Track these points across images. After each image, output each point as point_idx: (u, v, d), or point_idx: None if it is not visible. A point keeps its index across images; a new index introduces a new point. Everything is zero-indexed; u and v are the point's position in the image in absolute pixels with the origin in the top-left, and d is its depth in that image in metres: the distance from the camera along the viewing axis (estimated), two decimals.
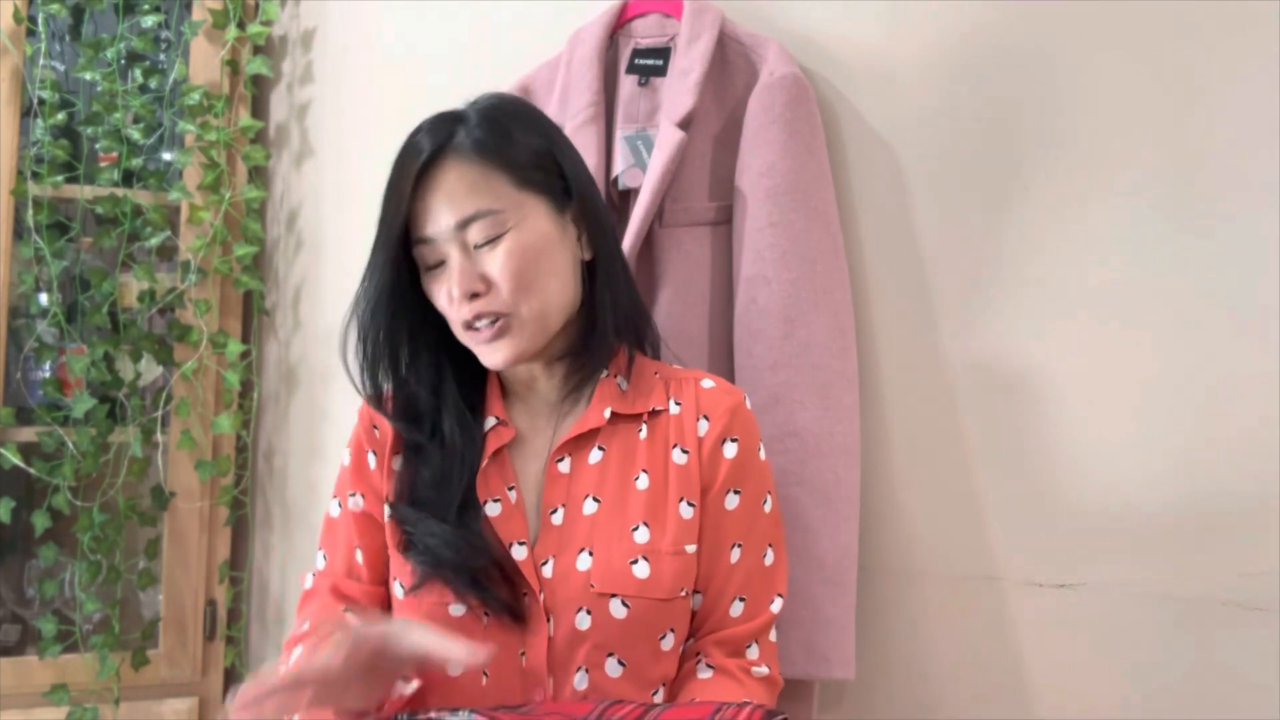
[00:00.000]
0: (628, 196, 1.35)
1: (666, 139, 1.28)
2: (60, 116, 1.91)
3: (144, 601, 2.00)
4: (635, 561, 0.98)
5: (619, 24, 1.40)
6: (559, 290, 1.03)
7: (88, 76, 1.92)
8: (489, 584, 0.98)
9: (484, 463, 1.04)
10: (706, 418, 1.04)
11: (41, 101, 1.89)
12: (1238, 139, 1.07)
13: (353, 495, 1.09)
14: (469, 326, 1.01)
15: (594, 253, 1.06)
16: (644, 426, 1.05)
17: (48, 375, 1.92)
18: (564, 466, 1.04)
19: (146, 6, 1.98)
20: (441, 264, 1.02)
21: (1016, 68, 1.20)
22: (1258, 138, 1.05)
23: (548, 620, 0.98)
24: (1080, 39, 1.16)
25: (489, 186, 1.00)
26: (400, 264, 1.02)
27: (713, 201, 1.32)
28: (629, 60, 1.37)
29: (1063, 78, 1.17)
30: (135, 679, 1.88)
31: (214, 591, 1.96)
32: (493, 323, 1.00)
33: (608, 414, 1.05)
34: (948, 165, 1.25)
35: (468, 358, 1.06)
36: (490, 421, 1.06)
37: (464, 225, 0.99)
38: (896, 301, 1.28)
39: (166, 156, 2.04)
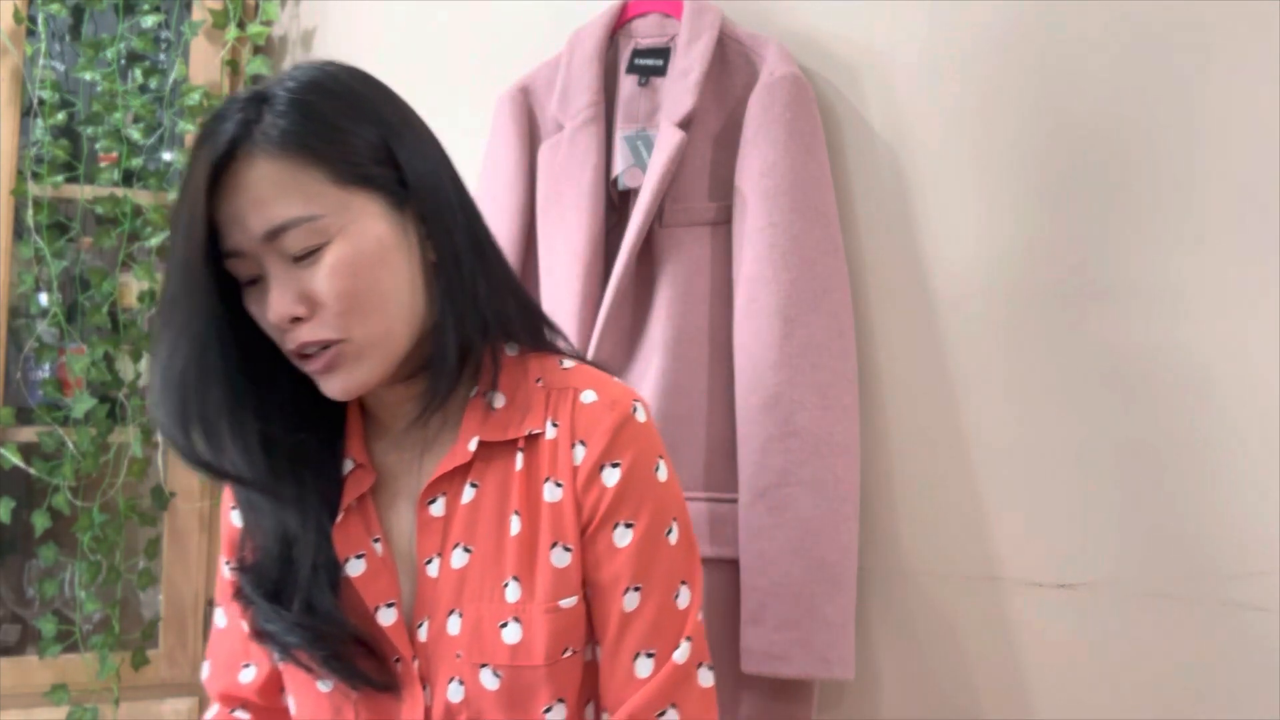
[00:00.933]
0: (628, 196, 1.35)
1: (666, 139, 1.28)
2: (60, 116, 1.91)
3: (144, 601, 2.00)
4: (505, 624, 0.83)
5: (619, 24, 1.40)
6: (402, 304, 0.84)
7: (88, 76, 1.92)
8: (349, 660, 0.85)
9: (340, 516, 0.88)
10: (583, 442, 0.86)
11: (41, 101, 1.89)
12: (1237, 147, 1.07)
13: (226, 563, 0.94)
14: (299, 355, 0.84)
15: (436, 253, 0.86)
16: (520, 454, 0.87)
17: (48, 375, 1.92)
18: (436, 509, 0.87)
19: (146, 6, 1.98)
20: (259, 279, 0.83)
21: (1017, 67, 1.20)
22: (1257, 139, 1.05)
23: (424, 689, 0.86)
24: (1080, 37, 1.16)
25: (301, 187, 0.80)
26: (204, 282, 0.81)
27: (713, 201, 1.32)
28: (629, 60, 1.37)
29: (1063, 77, 1.17)
30: (135, 679, 1.88)
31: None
32: (325, 349, 0.82)
33: (474, 446, 0.87)
34: (948, 165, 1.25)
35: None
36: (348, 465, 0.90)
37: (274, 236, 0.80)
38: (896, 301, 1.28)
39: (166, 156, 2.03)
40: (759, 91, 1.28)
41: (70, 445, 1.84)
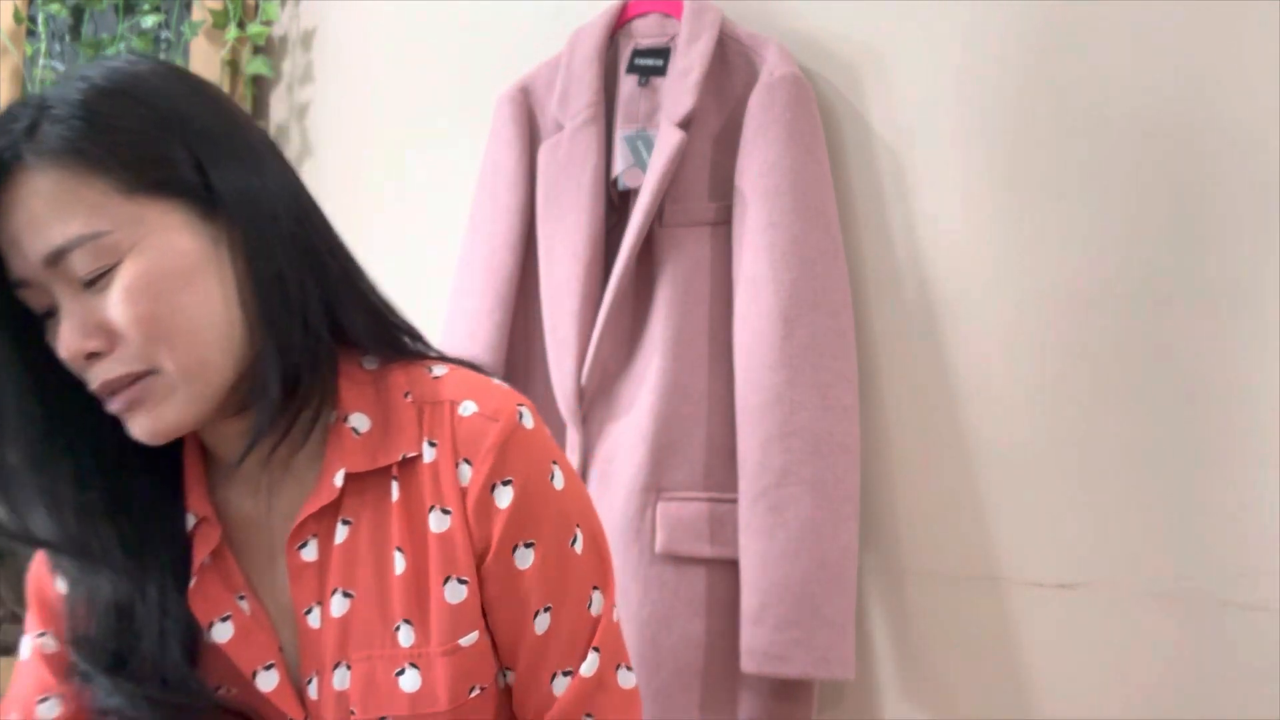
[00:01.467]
0: (628, 196, 1.35)
1: (666, 139, 1.28)
2: None
3: None
4: (402, 672, 0.75)
5: (619, 24, 1.40)
6: (216, 328, 0.72)
7: None
8: None
9: (193, 580, 0.76)
10: (468, 460, 0.76)
11: None
12: (1240, 135, 1.07)
13: (41, 635, 0.80)
14: (106, 394, 0.72)
15: (253, 269, 0.73)
16: (395, 482, 0.77)
17: None
18: (309, 553, 0.76)
19: (146, 6, 1.98)
20: (53, 311, 0.72)
21: (1017, 67, 1.20)
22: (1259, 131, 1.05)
23: None
24: (1081, 36, 1.16)
25: (82, 201, 0.69)
26: None
27: (713, 201, 1.32)
28: (629, 60, 1.37)
29: (1064, 76, 1.17)
30: None
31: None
32: (130, 384, 0.71)
33: (340, 480, 0.76)
34: (948, 165, 1.25)
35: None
36: (190, 520, 0.78)
37: (55, 260, 0.69)
38: (896, 302, 1.28)
39: None
40: (759, 91, 1.28)
41: None
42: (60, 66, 2.01)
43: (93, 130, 0.70)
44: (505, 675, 0.80)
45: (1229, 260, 1.07)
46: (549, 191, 1.37)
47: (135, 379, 0.70)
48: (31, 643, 0.80)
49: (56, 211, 0.69)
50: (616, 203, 1.36)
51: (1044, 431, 1.18)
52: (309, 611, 0.76)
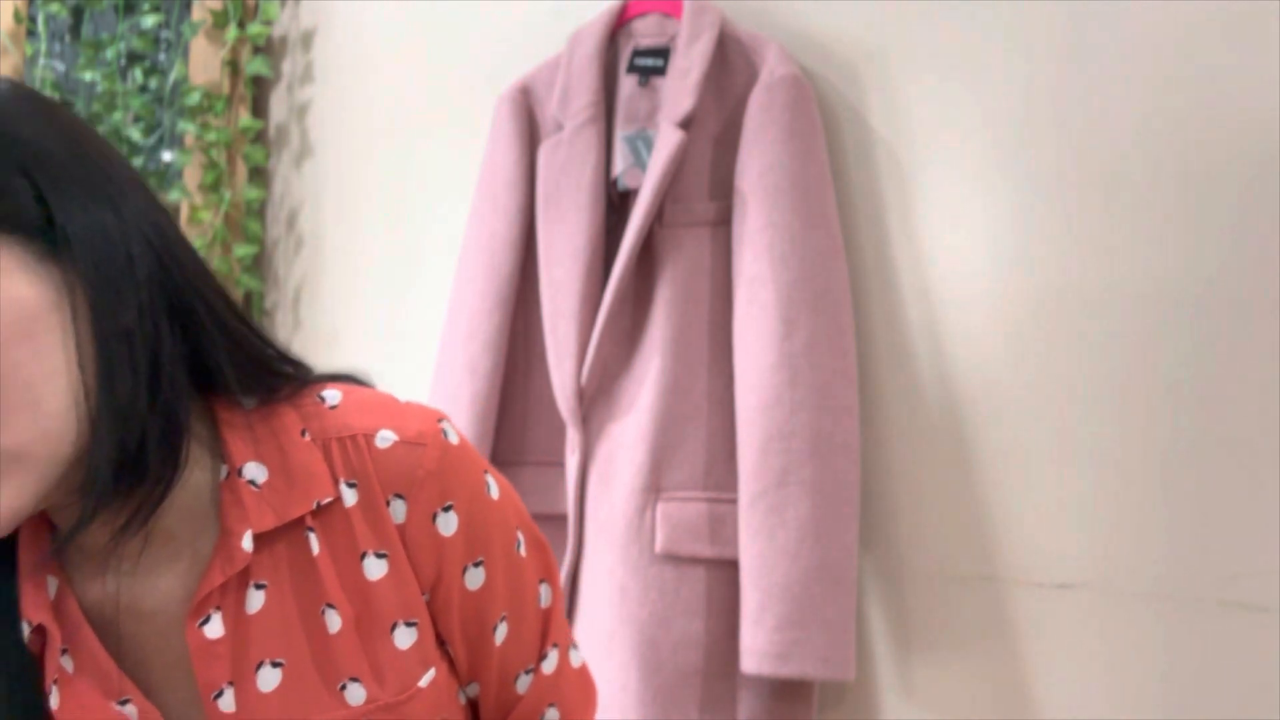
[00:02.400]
0: (628, 197, 1.35)
1: (666, 139, 1.28)
2: None
3: None
4: None
5: (619, 24, 1.40)
6: (61, 392, 0.59)
7: (88, 76, 1.92)
8: None
9: (58, 700, 0.65)
10: (400, 496, 0.69)
11: None
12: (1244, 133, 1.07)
13: None
14: None
15: (94, 321, 0.61)
16: (312, 534, 0.68)
17: None
18: (213, 629, 0.66)
19: (146, 6, 1.98)
20: None
21: (1017, 67, 1.20)
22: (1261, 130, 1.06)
23: None
24: (1081, 36, 1.16)
25: None
26: None
27: (713, 201, 1.32)
28: (629, 60, 1.38)
29: (1064, 76, 1.17)
30: None
31: None
32: None
33: (249, 544, 0.66)
34: (948, 165, 1.25)
35: None
36: (26, 628, 0.65)
37: None
38: (896, 301, 1.28)
39: (166, 156, 2.04)
40: (759, 91, 1.28)
41: None
42: (60, 66, 2.01)
43: None
44: (466, 691, 0.77)
45: (1229, 261, 1.07)
46: (549, 192, 1.37)
47: None
48: None
49: None
50: (616, 203, 1.36)
51: (1044, 431, 1.18)
52: (219, 695, 0.66)
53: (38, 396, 0.58)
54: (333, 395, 0.71)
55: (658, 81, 1.35)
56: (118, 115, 1.92)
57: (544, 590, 0.78)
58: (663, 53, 1.36)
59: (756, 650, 1.20)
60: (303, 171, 2.01)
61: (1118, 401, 1.13)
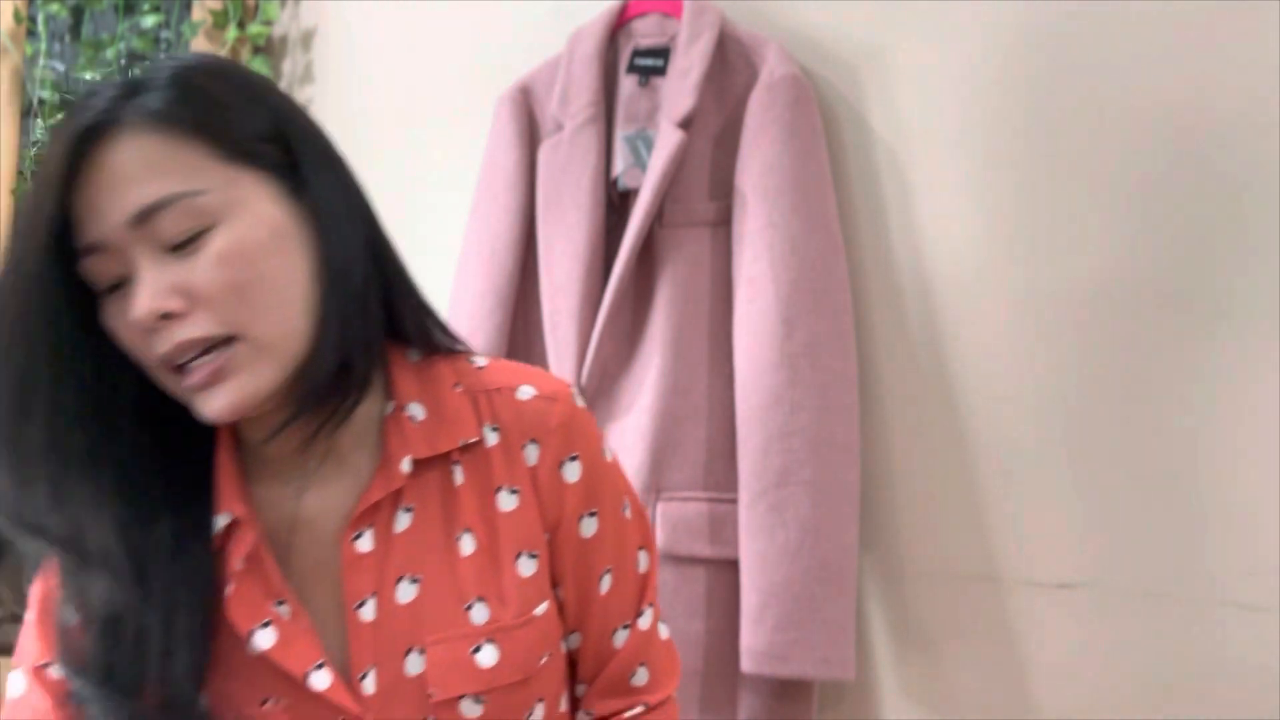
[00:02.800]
0: (628, 197, 1.35)
1: (666, 139, 1.28)
2: (60, 116, 1.91)
3: None
4: (479, 649, 0.75)
5: (619, 24, 1.40)
6: (301, 300, 0.72)
7: (88, 76, 1.92)
8: None
9: (231, 586, 0.74)
10: (535, 441, 0.80)
11: (41, 101, 1.89)
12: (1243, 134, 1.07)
13: (47, 665, 0.75)
14: (174, 366, 0.70)
15: (327, 251, 0.74)
16: (457, 468, 0.79)
17: None
18: (364, 544, 0.76)
19: (146, 6, 1.98)
20: (123, 283, 0.70)
21: (1017, 66, 1.20)
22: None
23: None
24: (1082, 36, 1.16)
25: (180, 162, 0.69)
26: (45, 284, 0.68)
27: (713, 201, 1.32)
28: (629, 60, 1.37)
29: (1064, 76, 1.17)
30: None
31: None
32: (211, 354, 0.69)
33: (408, 466, 0.76)
34: (948, 165, 1.25)
35: (176, 425, 0.75)
36: (222, 520, 0.75)
37: (144, 218, 0.68)
38: (896, 301, 1.28)
39: None
40: (759, 91, 1.28)
41: None
42: (60, 66, 2.01)
43: (188, 98, 0.70)
44: (567, 640, 0.84)
45: (1229, 261, 1.07)
46: (549, 191, 1.37)
47: (214, 346, 0.69)
48: (26, 677, 0.76)
49: (152, 171, 0.68)
50: (616, 203, 1.36)
51: (1044, 431, 1.18)
52: (361, 605, 0.75)
53: (285, 300, 0.71)
54: (481, 359, 0.84)
55: (658, 81, 1.35)
56: None
57: (642, 556, 0.86)
58: (663, 53, 1.36)
59: (756, 650, 1.20)
60: None
61: (1118, 402, 1.13)
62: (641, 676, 0.85)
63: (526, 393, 0.81)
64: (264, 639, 0.73)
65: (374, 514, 0.76)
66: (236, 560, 0.74)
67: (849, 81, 1.32)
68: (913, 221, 1.27)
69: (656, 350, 1.30)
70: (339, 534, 0.76)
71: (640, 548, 0.86)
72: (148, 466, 0.74)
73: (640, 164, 1.33)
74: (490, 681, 0.75)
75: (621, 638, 0.84)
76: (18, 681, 0.77)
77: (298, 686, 0.73)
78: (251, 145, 0.72)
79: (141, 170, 0.68)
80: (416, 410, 0.79)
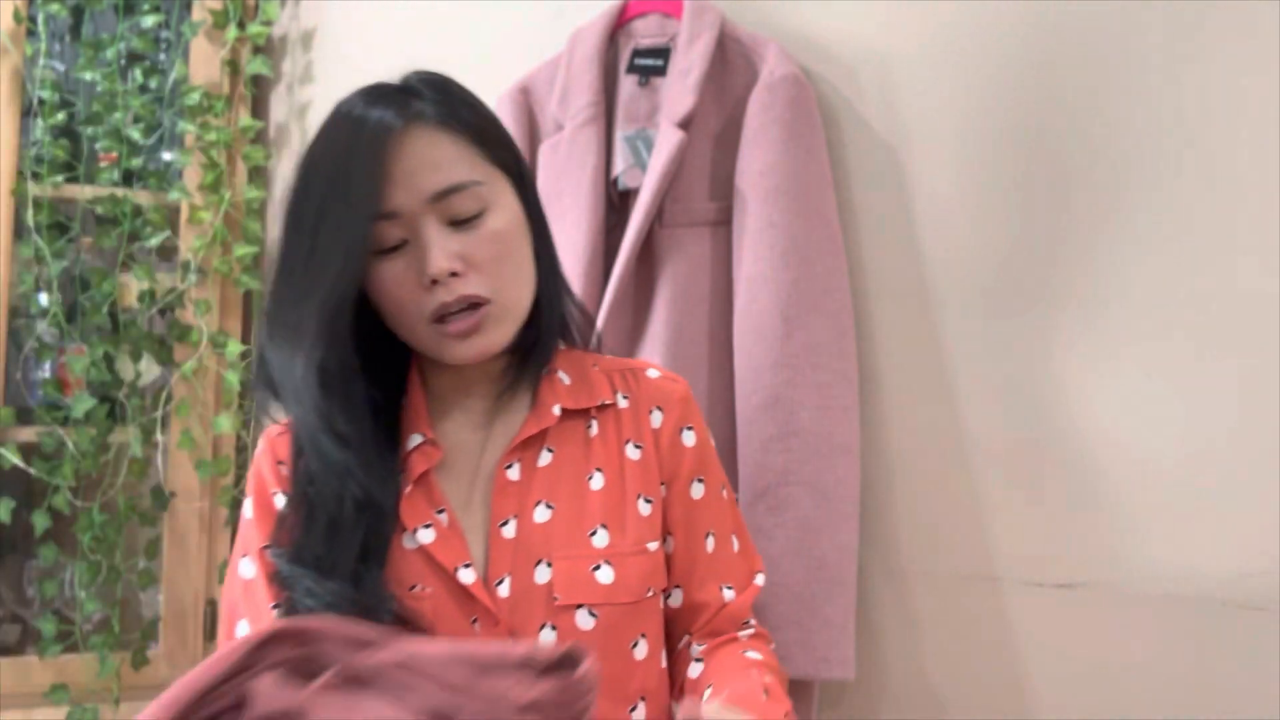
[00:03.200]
0: (628, 196, 1.35)
1: (666, 139, 1.28)
2: (60, 116, 1.91)
3: (144, 601, 2.00)
4: (598, 568, 0.91)
5: (619, 24, 1.40)
6: (529, 283, 0.94)
7: (88, 76, 1.92)
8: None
9: (408, 488, 0.91)
10: (660, 408, 0.99)
11: (41, 101, 1.90)
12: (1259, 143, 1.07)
13: (266, 548, 0.91)
14: (439, 317, 0.89)
15: (537, 248, 0.96)
16: (594, 422, 0.97)
17: (48, 375, 1.92)
18: (513, 473, 0.94)
19: (146, 6, 1.98)
20: (402, 244, 0.89)
21: (1017, 67, 1.20)
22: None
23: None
24: (1082, 37, 1.16)
25: (465, 158, 0.90)
26: (362, 240, 0.86)
27: (713, 201, 1.32)
28: (629, 60, 1.37)
29: (1064, 76, 1.17)
30: (135, 679, 1.88)
31: (214, 591, 1.96)
32: (471, 310, 0.89)
33: (558, 411, 0.95)
34: (948, 165, 1.25)
35: (388, 366, 0.96)
36: (414, 440, 0.94)
37: (444, 196, 0.88)
38: (896, 301, 1.28)
39: (166, 156, 2.04)
40: (759, 91, 1.28)
41: (70, 445, 1.84)
42: (60, 66, 2.01)
43: (465, 109, 0.91)
44: (668, 597, 0.98)
45: (1229, 260, 1.07)
46: (549, 191, 1.37)
47: (477, 305, 0.89)
48: (255, 561, 0.92)
49: (449, 161, 0.88)
50: (616, 203, 1.36)
51: (1043, 432, 1.17)
52: (504, 524, 0.91)
53: (523, 276, 0.93)
54: (607, 355, 1.06)
55: (658, 81, 1.35)
56: (118, 115, 1.92)
57: (734, 540, 1.01)
58: (663, 53, 1.36)
59: None
60: None
61: (1118, 402, 1.13)
62: (747, 633, 0.99)
63: (653, 373, 1.01)
64: (425, 535, 0.90)
65: (523, 450, 0.94)
66: (420, 469, 0.92)
67: (849, 81, 1.32)
68: (913, 221, 1.27)
69: (656, 350, 1.30)
70: (494, 464, 0.94)
71: (733, 534, 1.01)
72: (383, 389, 0.94)
73: (640, 164, 1.33)
74: (605, 597, 0.90)
75: (729, 594, 0.98)
76: (247, 566, 0.93)
77: (447, 578, 0.89)
78: (501, 153, 0.92)
79: (442, 159, 0.88)
80: (564, 376, 0.98)
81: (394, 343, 0.95)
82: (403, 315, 0.90)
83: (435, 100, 0.90)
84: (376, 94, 0.91)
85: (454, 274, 0.88)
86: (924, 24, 1.26)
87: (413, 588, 0.89)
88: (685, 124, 1.28)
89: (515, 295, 0.92)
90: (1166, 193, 1.10)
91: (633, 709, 0.92)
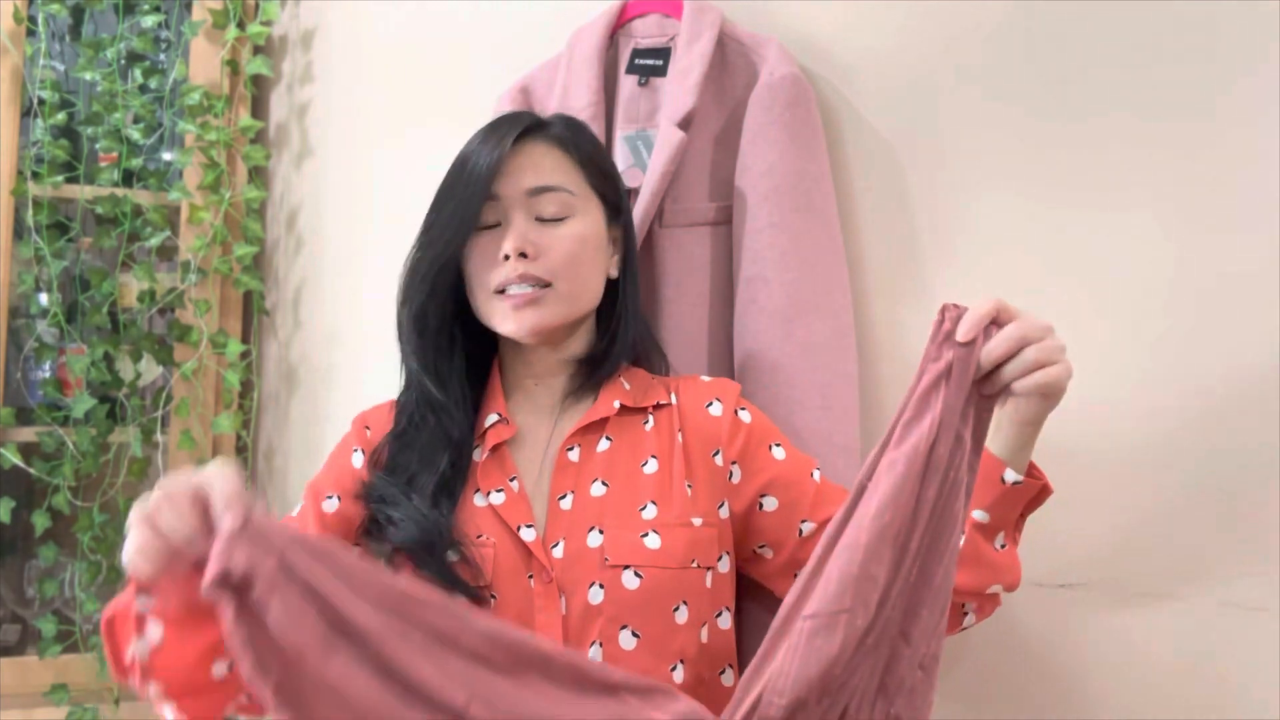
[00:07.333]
0: (628, 197, 1.35)
1: (666, 139, 1.28)
2: (60, 116, 1.91)
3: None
4: (645, 535, 1.02)
5: (619, 24, 1.40)
6: (593, 286, 1.11)
7: (88, 76, 1.92)
8: (447, 564, 1.00)
9: (483, 456, 1.08)
10: (718, 399, 1.11)
11: (41, 101, 1.90)
12: (1243, 142, 1.07)
13: (329, 498, 1.09)
14: (502, 291, 1.06)
15: (621, 273, 1.15)
16: (650, 419, 1.11)
17: (48, 375, 1.92)
18: (573, 455, 1.08)
19: (146, 6, 1.98)
20: (496, 225, 1.08)
21: (1017, 67, 1.20)
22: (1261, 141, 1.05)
23: (560, 598, 1.00)
24: (1082, 37, 1.16)
25: (568, 171, 1.10)
26: (476, 210, 1.06)
27: (713, 202, 1.32)
28: (629, 60, 1.37)
29: (1064, 76, 1.17)
30: None
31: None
32: (530, 288, 1.06)
33: (616, 405, 1.10)
34: (948, 165, 1.25)
35: (478, 350, 1.13)
36: (492, 418, 1.10)
37: (539, 192, 1.07)
38: (896, 301, 1.28)
39: (166, 156, 2.04)
40: (759, 91, 1.28)
41: (70, 445, 1.84)
42: (60, 66, 2.01)
43: (583, 140, 1.14)
44: (711, 575, 1.04)
45: (1230, 261, 1.07)
46: None
47: (536, 284, 1.06)
48: (312, 505, 1.08)
49: (553, 168, 1.09)
50: None
51: (1043, 431, 1.17)
52: (562, 498, 1.05)
53: (587, 276, 1.10)
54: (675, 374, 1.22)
55: (657, 81, 1.35)
56: (118, 115, 1.92)
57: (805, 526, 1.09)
58: (663, 53, 1.36)
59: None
60: (303, 171, 2.01)
61: (1118, 401, 1.13)
62: None
63: (706, 379, 1.16)
64: (496, 498, 1.05)
65: (584, 435, 1.09)
66: (495, 440, 1.09)
67: (849, 81, 1.32)
68: (913, 221, 1.27)
69: None
70: (558, 447, 1.08)
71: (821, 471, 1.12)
72: (470, 370, 1.13)
73: (640, 164, 1.33)
74: (651, 560, 1.00)
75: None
76: (301, 506, 1.10)
77: (510, 535, 1.03)
78: (599, 181, 1.13)
79: (547, 163, 1.09)
80: (626, 383, 1.13)
81: (484, 341, 1.13)
82: (477, 285, 1.08)
83: (563, 125, 1.13)
84: (520, 112, 1.14)
85: (523, 255, 1.05)
86: (924, 24, 1.26)
87: (479, 537, 1.03)
88: (685, 124, 1.28)
89: (575, 290, 1.08)
90: (1163, 193, 1.10)
91: (674, 668, 1.00)
